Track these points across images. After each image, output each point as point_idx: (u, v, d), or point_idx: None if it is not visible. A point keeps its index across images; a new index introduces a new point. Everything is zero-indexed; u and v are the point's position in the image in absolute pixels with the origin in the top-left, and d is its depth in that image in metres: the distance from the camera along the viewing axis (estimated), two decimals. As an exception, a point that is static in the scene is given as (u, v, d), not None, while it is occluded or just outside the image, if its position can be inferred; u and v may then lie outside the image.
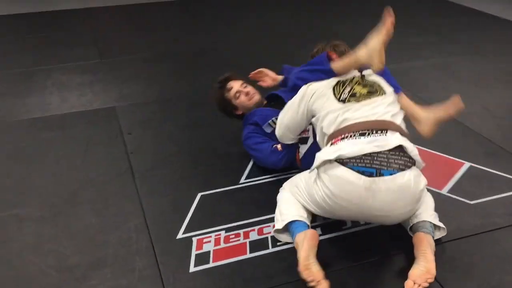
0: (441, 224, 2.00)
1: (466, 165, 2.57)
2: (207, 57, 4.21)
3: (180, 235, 2.10)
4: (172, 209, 2.27)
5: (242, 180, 2.47)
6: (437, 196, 2.31)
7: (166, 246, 2.04)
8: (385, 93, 2.04)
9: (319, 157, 1.91)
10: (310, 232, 1.91)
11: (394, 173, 1.77)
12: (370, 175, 1.76)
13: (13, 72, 3.91)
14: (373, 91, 2.03)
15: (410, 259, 1.95)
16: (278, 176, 2.48)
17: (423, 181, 1.87)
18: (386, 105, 1.98)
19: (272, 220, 2.17)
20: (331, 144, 1.93)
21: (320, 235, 2.08)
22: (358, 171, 1.77)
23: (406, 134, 1.94)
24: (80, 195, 2.37)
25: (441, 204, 2.26)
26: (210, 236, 2.09)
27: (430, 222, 1.95)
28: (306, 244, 1.85)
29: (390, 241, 2.07)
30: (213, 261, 1.96)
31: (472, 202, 2.29)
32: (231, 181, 2.45)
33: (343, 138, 1.90)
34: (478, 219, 2.17)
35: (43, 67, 3.95)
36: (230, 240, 2.07)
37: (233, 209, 2.26)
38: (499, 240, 2.06)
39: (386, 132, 1.87)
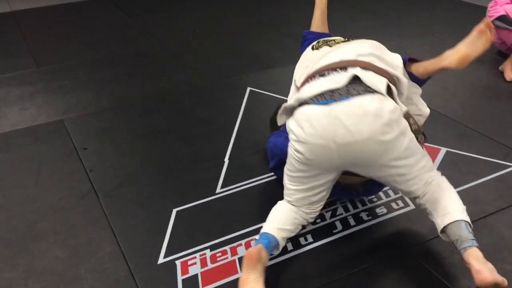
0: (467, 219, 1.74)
1: (443, 150, 2.53)
2: (153, 58, 3.95)
3: (161, 260, 1.91)
4: (148, 230, 2.07)
5: (218, 190, 2.30)
6: (421, 187, 2.26)
7: (147, 274, 1.85)
8: (363, 41, 1.96)
9: (283, 105, 1.80)
10: (249, 251, 1.70)
11: (352, 98, 1.64)
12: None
13: None
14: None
15: (406, 260, 1.88)
16: (257, 181, 2.33)
17: (390, 103, 1.64)
18: (356, 47, 1.86)
19: (257, 231, 2.03)
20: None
21: (311, 242, 1.97)
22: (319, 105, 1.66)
23: (372, 69, 1.74)
24: (40, 226, 2.11)
25: (427, 195, 2.21)
26: (195, 257, 1.92)
27: (465, 221, 1.70)
28: (243, 265, 1.67)
29: (384, 241, 1.99)
30: (202, 286, 1.79)
31: (457, 190, 2.23)
32: (206, 192, 2.28)
33: (304, 84, 1.83)
34: (468, 207, 2.11)
35: (-27, 81, 3.57)
36: (218, 259, 1.91)
37: (215, 223, 2.09)
38: (493, 227, 2.02)
39: (346, 69, 1.73)
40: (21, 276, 1.86)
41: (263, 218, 2.07)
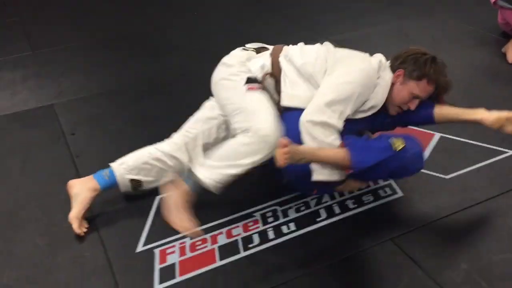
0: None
1: (436, 136, 2.45)
2: (148, 41, 3.87)
3: (140, 248, 1.89)
4: (129, 218, 2.04)
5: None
6: (411, 174, 2.20)
7: (125, 263, 1.83)
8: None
9: None
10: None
11: None
12: None
13: None
14: None
15: (388, 250, 1.83)
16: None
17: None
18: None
19: (241, 219, 2.00)
20: None
21: (294, 230, 1.92)
22: None
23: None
24: (21, 214, 2.09)
25: (416, 182, 2.15)
26: (174, 246, 1.89)
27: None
28: None
29: (368, 230, 1.94)
30: (179, 275, 1.76)
31: (448, 177, 2.18)
32: (191, 179, 2.24)
33: None
34: (456, 195, 2.07)
35: (-33, 65, 3.55)
36: (197, 248, 1.88)
37: (196, 211, 2.04)
38: (481, 216, 1.96)
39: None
40: (-1, 265, 1.85)
41: (247, 206, 2.06)
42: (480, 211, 1.98)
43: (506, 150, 2.32)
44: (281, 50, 2.06)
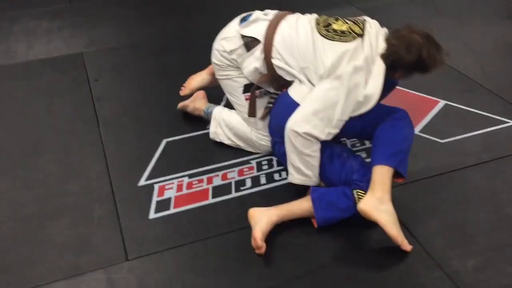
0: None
1: (441, 103, 2.49)
2: (182, 0, 4.02)
3: (142, 182, 2.06)
4: (136, 156, 2.21)
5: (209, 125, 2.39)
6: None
7: (126, 194, 2.00)
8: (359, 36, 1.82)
9: None
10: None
11: None
12: None
13: (-21, 19, 3.74)
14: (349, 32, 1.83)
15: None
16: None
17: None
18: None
19: (237, 165, 2.13)
20: None
21: (284, 178, 2.03)
22: None
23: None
24: (42, 145, 2.30)
25: (411, 144, 2.21)
26: (173, 183, 2.05)
27: None
28: None
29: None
30: (173, 207, 1.92)
31: (443, 141, 2.23)
32: (198, 127, 2.37)
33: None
34: (448, 158, 2.12)
35: (10, 12, 3.77)
36: (193, 186, 2.03)
37: (199, 155, 2.20)
38: (468, 178, 2.01)
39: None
40: (16, 186, 2.06)
41: (245, 154, 2.18)
42: (468, 173, 2.03)
43: (508, 120, 2.34)
44: (272, 44, 1.92)
